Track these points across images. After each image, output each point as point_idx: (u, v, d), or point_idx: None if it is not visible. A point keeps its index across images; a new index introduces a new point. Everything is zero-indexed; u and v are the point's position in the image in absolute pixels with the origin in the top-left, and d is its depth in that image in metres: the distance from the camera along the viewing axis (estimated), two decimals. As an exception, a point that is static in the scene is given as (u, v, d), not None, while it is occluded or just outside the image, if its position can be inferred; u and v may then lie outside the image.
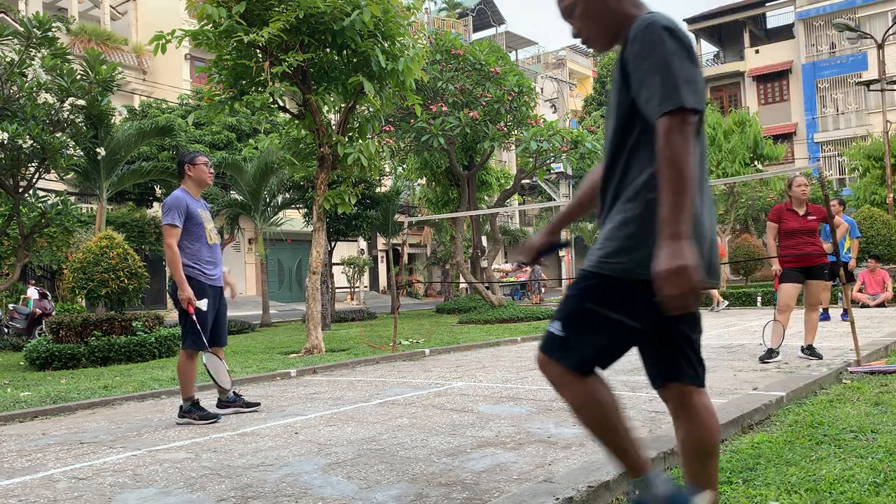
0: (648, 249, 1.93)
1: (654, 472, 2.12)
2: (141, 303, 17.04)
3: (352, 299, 31.81)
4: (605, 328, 2.02)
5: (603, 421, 2.09)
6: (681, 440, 2.21)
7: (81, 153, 11.88)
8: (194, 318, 5.06)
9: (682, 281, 1.81)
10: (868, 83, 24.42)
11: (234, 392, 5.53)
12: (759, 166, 19.20)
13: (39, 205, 9.76)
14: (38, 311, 13.59)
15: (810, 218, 6.70)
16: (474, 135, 15.10)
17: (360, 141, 9.87)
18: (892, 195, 20.59)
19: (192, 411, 5.09)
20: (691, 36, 2.02)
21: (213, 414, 5.13)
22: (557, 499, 2.70)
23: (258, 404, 5.55)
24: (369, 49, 8.76)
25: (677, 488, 2.12)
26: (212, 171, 5.46)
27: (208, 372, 5.17)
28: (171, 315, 19.64)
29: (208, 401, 5.64)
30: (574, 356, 2.06)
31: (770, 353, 6.70)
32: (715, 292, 16.06)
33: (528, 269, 28.86)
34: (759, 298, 16.33)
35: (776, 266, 6.81)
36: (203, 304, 5.11)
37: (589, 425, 2.11)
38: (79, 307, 15.30)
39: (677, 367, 2.16)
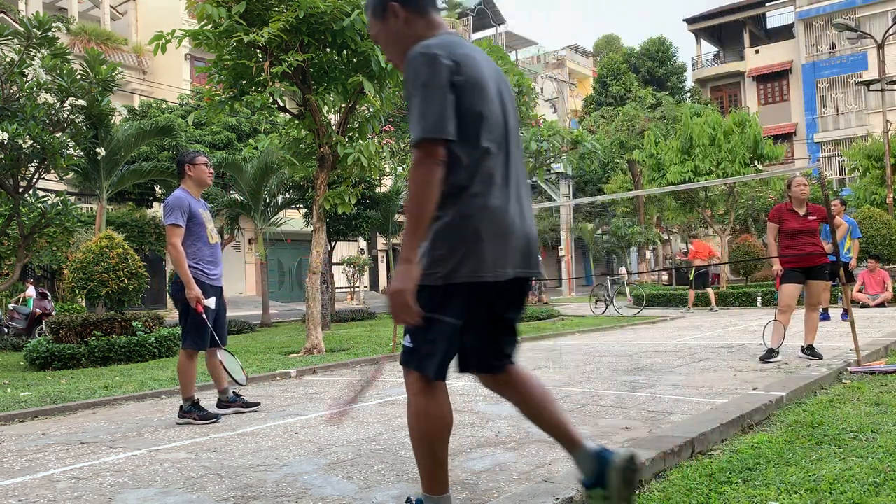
0: (452, 258, 2.18)
1: (449, 496, 2.33)
2: (141, 303, 17.04)
3: (352, 299, 31.80)
4: (440, 331, 2.21)
5: (437, 432, 2.27)
6: (528, 409, 2.44)
7: (81, 153, 11.88)
8: (204, 316, 5.08)
9: (398, 301, 2.10)
10: (868, 83, 24.42)
11: (234, 392, 5.53)
12: (759, 166, 19.16)
13: (39, 205, 9.76)
14: (38, 311, 13.60)
15: (811, 218, 6.69)
16: (474, 135, 15.09)
17: (360, 141, 9.87)
18: (892, 195, 20.58)
19: (192, 411, 5.09)
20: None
21: (213, 414, 5.13)
22: (557, 499, 2.70)
23: (258, 404, 5.55)
24: (369, 49, 8.76)
25: None
26: (212, 171, 5.47)
27: (224, 368, 5.19)
28: (171, 315, 19.64)
29: (208, 401, 5.64)
30: (426, 362, 2.24)
31: (770, 353, 6.71)
32: (692, 295, 16.24)
33: None
34: (759, 298, 16.33)
35: (777, 266, 6.81)
36: (211, 303, 5.13)
37: (421, 431, 2.27)
38: (79, 307, 15.30)
39: (508, 352, 2.42)
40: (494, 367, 2.42)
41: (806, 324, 6.84)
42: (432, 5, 2.37)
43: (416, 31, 2.33)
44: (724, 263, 18.00)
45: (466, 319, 2.25)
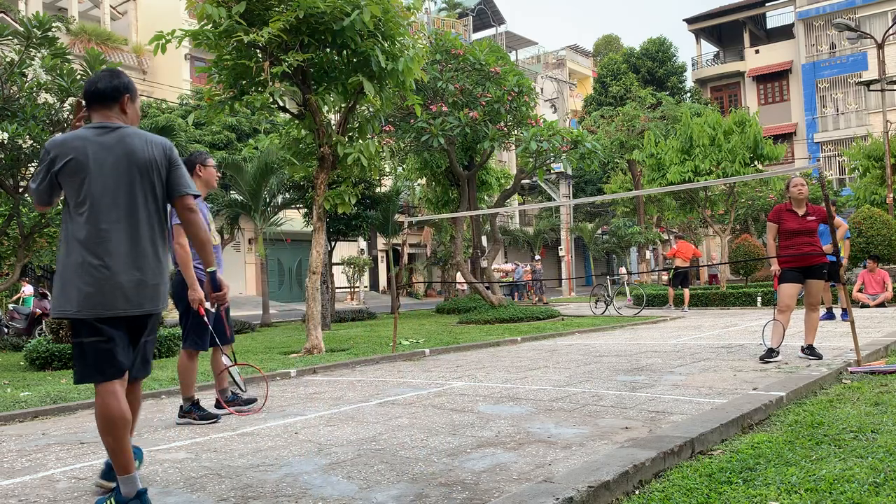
0: (59, 295, 3.01)
1: (132, 476, 2.95)
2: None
3: (352, 299, 31.80)
4: (91, 350, 2.98)
5: (109, 420, 2.95)
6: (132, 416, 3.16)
7: (81, 153, 11.85)
8: (206, 319, 5.10)
9: None
10: (868, 83, 24.44)
11: (232, 391, 5.54)
12: (759, 166, 19.13)
13: (39, 205, 9.73)
14: (38, 310, 13.60)
15: (809, 218, 6.71)
16: (474, 135, 15.09)
17: (360, 141, 9.86)
18: (892, 195, 20.58)
19: (192, 411, 5.09)
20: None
21: (213, 414, 5.13)
22: (557, 499, 2.70)
23: (255, 400, 5.56)
24: (369, 49, 8.76)
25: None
26: (219, 174, 5.51)
27: (230, 375, 5.24)
28: (172, 315, 19.62)
29: (208, 401, 5.64)
30: (78, 373, 3.04)
31: (770, 353, 6.71)
32: (671, 293, 16.51)
33: (529, 268, 28.89)
34: (759, 298, 16.34)
35: (775, 266, 6.83)
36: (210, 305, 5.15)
37: (98, 419, 2.98)
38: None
39: (140, 368, 3.20)
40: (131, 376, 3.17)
41: (806, 324, 6.84)
42: (92, 103, 3.17)
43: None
44: (724, 263, 18.01)
45: (107, 339, 2.98)
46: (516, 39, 47.96)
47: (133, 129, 3.18)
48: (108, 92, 3.17)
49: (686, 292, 16.55)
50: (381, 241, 35.77)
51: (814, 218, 6.72)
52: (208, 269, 3.49)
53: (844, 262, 11.30)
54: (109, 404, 2.95)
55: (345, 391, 6.32)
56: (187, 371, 5.18)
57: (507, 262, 35.98)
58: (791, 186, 6.79)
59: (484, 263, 18.33)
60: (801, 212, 6.73)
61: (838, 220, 9.00)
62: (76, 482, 3.58)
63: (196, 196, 3.24)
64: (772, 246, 6.90)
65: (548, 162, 16.86)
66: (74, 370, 3.05)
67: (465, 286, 24.25)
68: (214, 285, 3.63)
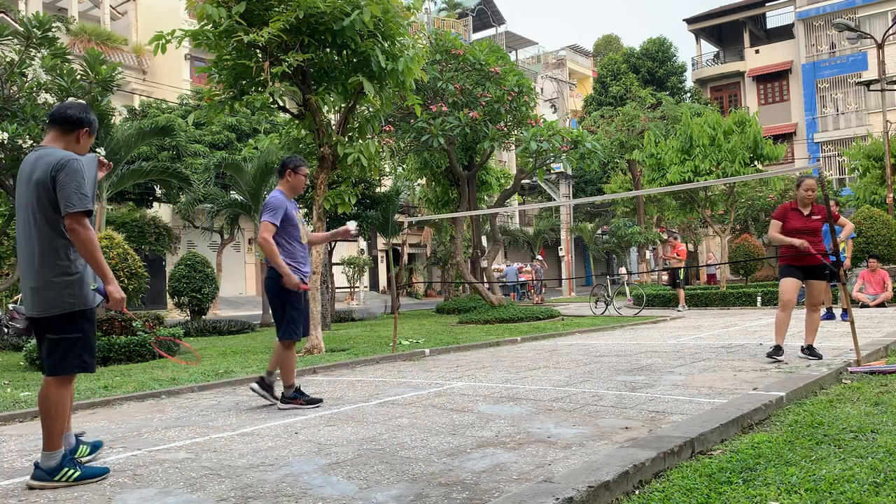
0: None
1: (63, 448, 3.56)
2: (141, 303, 17.02)
3: (352, 299, 31.80)
4: None
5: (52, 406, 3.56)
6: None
7: (81, 153, 11.84)
8: (303, 299, 5.45)
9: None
10: (868, 83, 24.43)
11: (297, 389, 5.58)
12: (759, 166, 19.12)
13: (39, 205, 9.73)
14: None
15: (814, 218, 6.71)
16: (474, 135, 15.08)
17: (360, 141, 9.87)
18: (892, 195, 20.57)
19: (297, 398, 5.36)
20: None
21: (318, 399, 5.47)
22: (557, 499, 2.70)
23: (321, 400, 5.57)
24: (369, 49, 8.76)
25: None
26: (307, 182, 5.79)
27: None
28: (172, 315, 19.63)
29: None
30: None
31: (777, 350, 6.70)
32: (681, 294, 16.86)
33: (529, 267, 28.91)
34: (759, 298, 16.35)
35: (803, 243, 6.54)
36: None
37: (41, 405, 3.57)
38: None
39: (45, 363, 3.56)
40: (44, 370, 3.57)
41: (807, 324, 6.84)
42: (51, 124, 3.66)
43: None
44: (724, 264, 18.02)
45: None
46: (516, 39, 47.96)
47: (48, 149, 3.54)
48: (74, 120, 3.64)
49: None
50: (381, 241, 35.77)
51: (818, 217, 6.72)
52: (100, 286, 3.63)
53: (847, 262, 11.29)
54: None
55: (345, 391, 6.32)
56: (288, 360, 5.42)
57: (504, 262, 35.99)
58: (802, 188, 6.66)
59: (484, 263, 18.33)
60: (806, 212, 6.74)
61: (843, 219, 8.98)
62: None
63: (87, 213, 3.43)
64: (782, 237, 6.71)
65: (548, 162, 16.86)
66: None
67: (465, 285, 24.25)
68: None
